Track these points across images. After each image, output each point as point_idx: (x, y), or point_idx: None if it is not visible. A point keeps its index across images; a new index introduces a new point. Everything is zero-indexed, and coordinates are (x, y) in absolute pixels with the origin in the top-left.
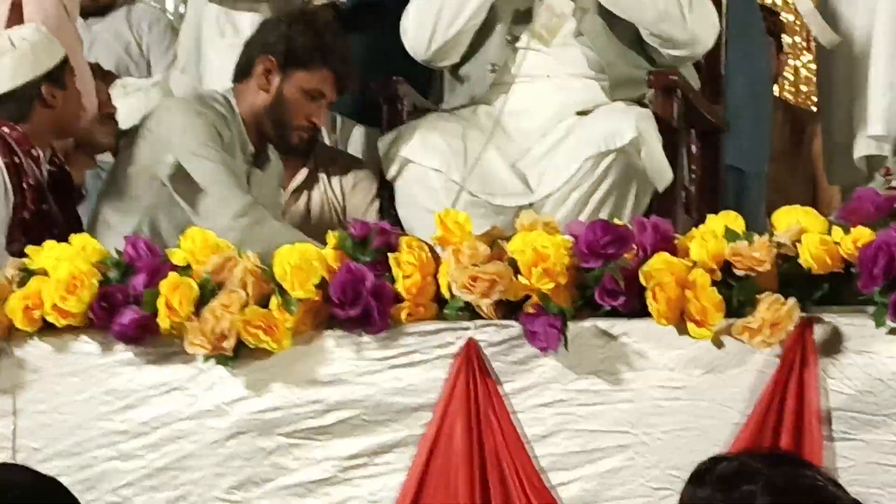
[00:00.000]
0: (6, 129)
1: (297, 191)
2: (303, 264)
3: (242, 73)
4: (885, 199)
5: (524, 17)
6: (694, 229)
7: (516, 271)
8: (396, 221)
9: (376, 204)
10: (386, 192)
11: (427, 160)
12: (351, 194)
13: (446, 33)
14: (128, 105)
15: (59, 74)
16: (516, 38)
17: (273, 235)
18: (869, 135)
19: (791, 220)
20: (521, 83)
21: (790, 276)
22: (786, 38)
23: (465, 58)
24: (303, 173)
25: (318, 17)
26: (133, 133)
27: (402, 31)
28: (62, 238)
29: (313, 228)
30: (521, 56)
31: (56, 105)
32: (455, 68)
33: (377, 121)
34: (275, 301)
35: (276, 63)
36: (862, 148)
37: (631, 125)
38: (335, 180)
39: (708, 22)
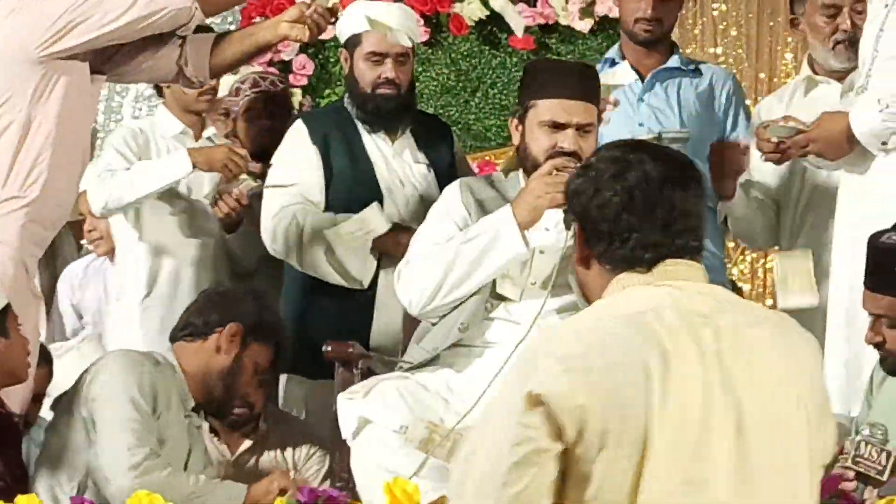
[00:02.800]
0: None
1: (243, 456)
2: None
3: (197, 332)
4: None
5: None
6: None
7: None
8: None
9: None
10: (337, 452)
11: (387, 422)
12: (304, 467)
13: (444, 299)
14: (62, 367)
15: (2, 323)
16: (493, 306)
17: (169, 486)
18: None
19: None
20: (486, 349)
21: None
22: None
23: None
24: (245, 444)
25: (268, 294)
26: (69, 396)
27: (401, 284)
28: (4, 491)
29: None
30: (493, 325)
31: None
32: None
33: (319, 373)
34: None
35: (242, 332)
36: None
37: None
38: (288, 450)
39: None
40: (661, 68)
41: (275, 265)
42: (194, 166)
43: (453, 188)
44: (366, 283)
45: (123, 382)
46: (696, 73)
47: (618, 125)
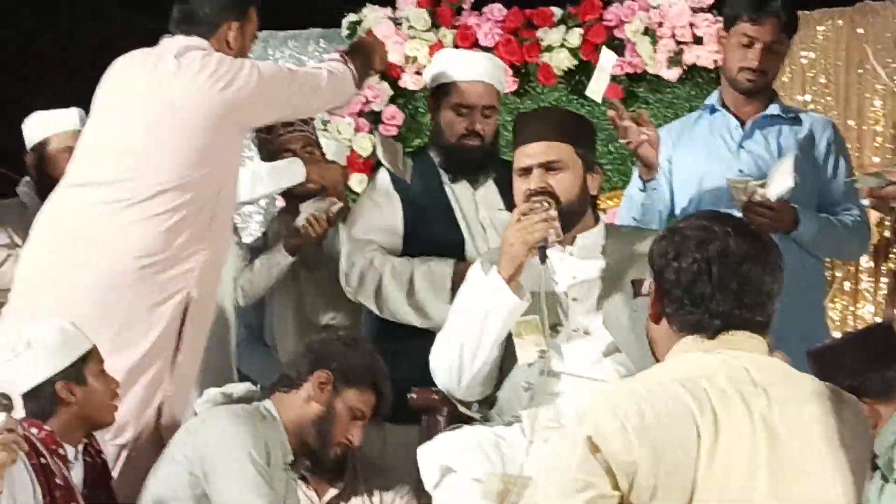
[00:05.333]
0: (34, 430)
1: (331, 502)
2: None
3: (291, 382)
4: None
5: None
6: None
7: None
8: None
9: None
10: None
11: (467, 471)
12: None
13: (472, 366)
14: None
15: (79, 371)
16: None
17: None
18: None
19: None
20: (554, 399)
21: None
22: None
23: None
24: (332, 492)
25: (366, 341)
26: (171, 447)
27: (432, 371)
28: None
29: None
30: (556, 378)
31: (74, 401)
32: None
33: (399, 417)
34: None
35: (332, 378)
36: None
37: None
38: (375, 494)
39: None
40: (761, 115)
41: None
42: (308, 179)
43: (474, 266)
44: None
45: (240, 438)
46: (796, 121)
47: (719, 170)
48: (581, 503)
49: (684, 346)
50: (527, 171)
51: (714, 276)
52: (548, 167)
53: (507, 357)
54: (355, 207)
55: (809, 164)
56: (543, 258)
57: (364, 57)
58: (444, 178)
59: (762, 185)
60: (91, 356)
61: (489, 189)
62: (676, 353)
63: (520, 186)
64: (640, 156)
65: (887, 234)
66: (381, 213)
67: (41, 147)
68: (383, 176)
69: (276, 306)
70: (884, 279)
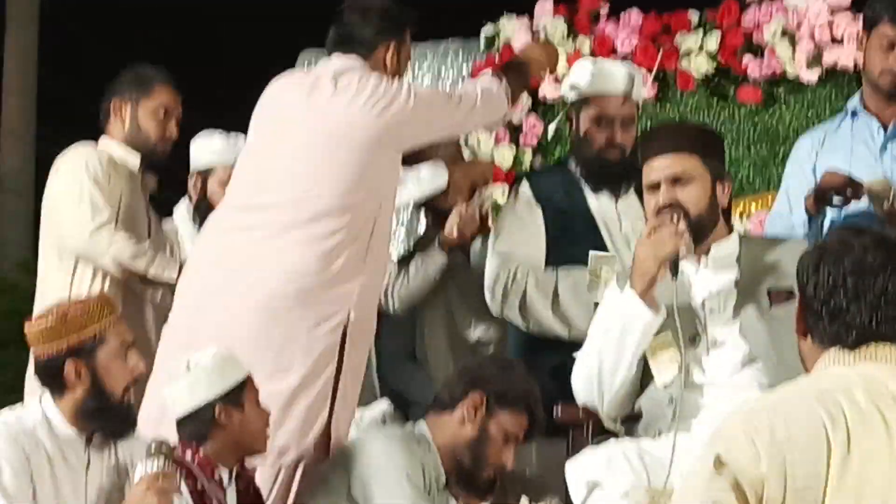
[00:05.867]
0: (189, 453)
1: None
2: None
3: (445, 404)
4: None
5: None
6: None
7: None
8: None
9: None
10: None
11: (614, 486)
12: None
13: (612, 386)
14: None
15: (237, 396)
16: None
17: None
18: None
19: None
20: (699, 411)
21: None
22: None
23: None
24: None
25: (521, 364)
26: (327, 469)
27: (574, 393)
28: None
29: None
30: (700, 389)
31: (231, 425)
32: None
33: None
34: None
35: (486, 399)
36: None
37: None
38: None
39: None
40: None
41: None
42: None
43: (611, 285)
44: None
45: (396, 460)
46: None
47: (863, 175)
48: None
49: (826, 360)
50: (655, 186)
51: (849, 288)
52: (675, 180)
53: (647, 372)
54: (498, 220)
55: None
56: (675, 272)
57: (518, 72)
58: (586, 189)
59: None
60: (247, 384)
61: (631, 200)
62: (819, 367)
63: (649, 201)
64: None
65: None
66: (523, 225)
67: (206, 173)
68: (525, 188)
69: (427, 321)
70: None
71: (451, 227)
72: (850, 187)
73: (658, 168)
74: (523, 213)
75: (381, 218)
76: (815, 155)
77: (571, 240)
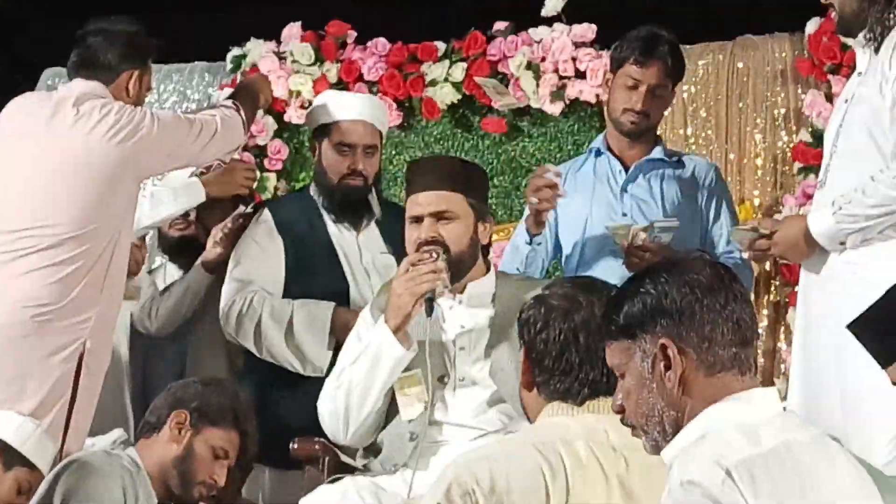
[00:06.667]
0: None
1: None
2: None
3: (152, 427)
4: None
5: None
6: None
7: None
8: None
9: None
10: None
11: None
12: None
13: (359, 416)
14: None
15: None
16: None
17: None
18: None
19: None
20: (439, 447)
21: None
22: None
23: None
24: None
25: (229, 382)
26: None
27: (320, 417)
28: None
29: None
30: (441, 427)
31: None
32: None
33: (283, 463)
34: None
35: (189, 417)
36: None
37: None
38: None
39: None
40: (644, 160)
41: None
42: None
43: (363, 312)
44: (323, 369)
45: (103, 487)
46: (679, 164)
47: (601, 215)
48: None
49: (550, 410)
50: (418, 219)
51: (581, 345)
52: (439, 217)
53: (392, 405)
54: (237, 247)
55: (691, 208)
56: (430, 310)
57: (250, 98)
58: (327, 219)
59: (644, 230)
60: None
61: (372, 232)
62: (542, 416)
63: (411, 235)
64: (539, 215)
65: (768, 267)
66: (263, 253)
67: None
68: (266, 216)
69: (196, 342)
70: (765, 310)
71: (211, 248)
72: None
73: (423, 203)
74: (264, 240)
75: (119, 247)
76: None
77: (311, 270)
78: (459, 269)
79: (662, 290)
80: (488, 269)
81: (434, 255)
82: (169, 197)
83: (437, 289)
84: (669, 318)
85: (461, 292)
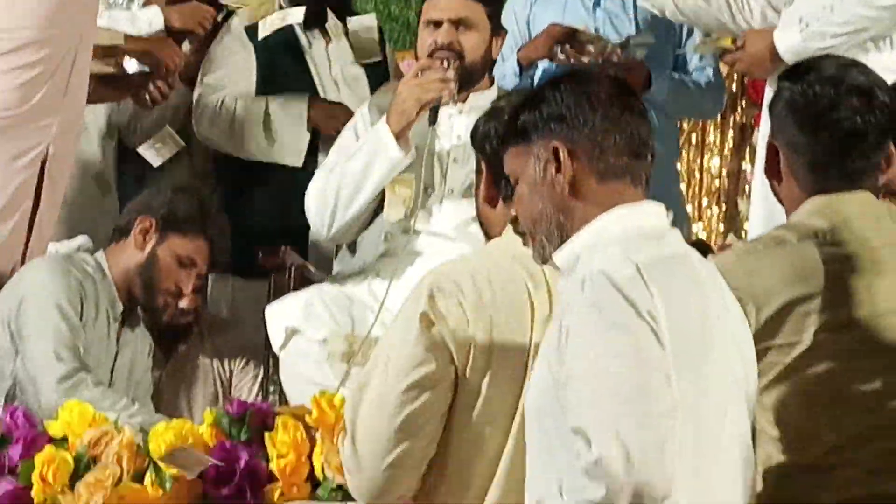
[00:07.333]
0: None
1: (178, 362)
2: (177, 441)
3: (121, 232)
4: None
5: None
6: None
7: None
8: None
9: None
10: (272, 361)
11: (312, 333)
12: (239, 376)
13: (345, 214)
14: None
15: None
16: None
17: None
18: None
19: None
20: (414, 258)
21: None
22: None
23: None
24: (180, 348)
25: (201, 189)
26: None
27: (306, 209)
28: None
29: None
30: (418, 237)
31: None
32: None
33: (249, 272)
34: (149, 477)
35: (155, 224)
36: None
37: None
38: (225, 360)
39: None
40: None
41: None
42: (167, 23)
43: (363, 110)
44: (300, 160)
45: (51, 289)
46: None
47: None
48: (416, 378)
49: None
50: (435, 23)
51: None
52: (458, 24)
53: (379, 206)
54: (208, 54)
55: (664, 23)
56: (434, 119)
57: None
58: (298, 30)
59: (621, 46)
60: None
61: (342, 44)
62: (510, 230)
63: (425, 38)
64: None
65: (735, 88)
66: (234, 60)
67: None
68: (237, 24)
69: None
70: (731, 132)
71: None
72: (573, 41)
73: (444, 8)
74: (235, 47)
75: (80, 53)
76: (529, 7)
77: (281, 79)
78: (468, 80)
79: (560, 97)
80: (492, 83)
81: (446, 63)
82: (127, 21)
83: (444, 98)
84: (563, 123)
85: (463, 102)
